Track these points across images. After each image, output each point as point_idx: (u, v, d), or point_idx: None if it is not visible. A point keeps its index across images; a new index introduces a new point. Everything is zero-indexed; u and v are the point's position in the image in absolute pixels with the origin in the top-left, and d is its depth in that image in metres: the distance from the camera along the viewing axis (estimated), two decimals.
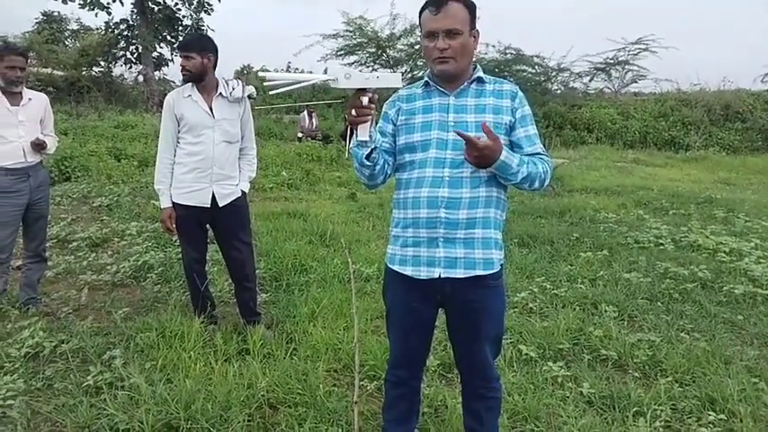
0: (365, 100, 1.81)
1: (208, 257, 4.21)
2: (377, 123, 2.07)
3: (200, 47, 3.32)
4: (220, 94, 3.35)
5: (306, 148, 10.92)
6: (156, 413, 2.56)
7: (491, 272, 2.01)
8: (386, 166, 2.06)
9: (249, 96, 3.47)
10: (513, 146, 2.04)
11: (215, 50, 3.34)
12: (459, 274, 1.98)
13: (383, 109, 2.12)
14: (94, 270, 4.68)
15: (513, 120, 2.02)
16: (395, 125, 2.09)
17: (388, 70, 1.94)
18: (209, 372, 2.98)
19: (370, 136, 1.89)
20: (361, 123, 1.86)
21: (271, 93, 1.89)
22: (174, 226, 3.39)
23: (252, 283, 3.59)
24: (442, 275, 1.99)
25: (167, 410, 2.58)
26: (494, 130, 1.84)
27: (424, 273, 2.01)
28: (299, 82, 1.90)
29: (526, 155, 2.00)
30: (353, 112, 1.83)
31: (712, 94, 19.42)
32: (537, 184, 1.98)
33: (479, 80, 2.04)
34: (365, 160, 1.96)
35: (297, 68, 22.91)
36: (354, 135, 1.92)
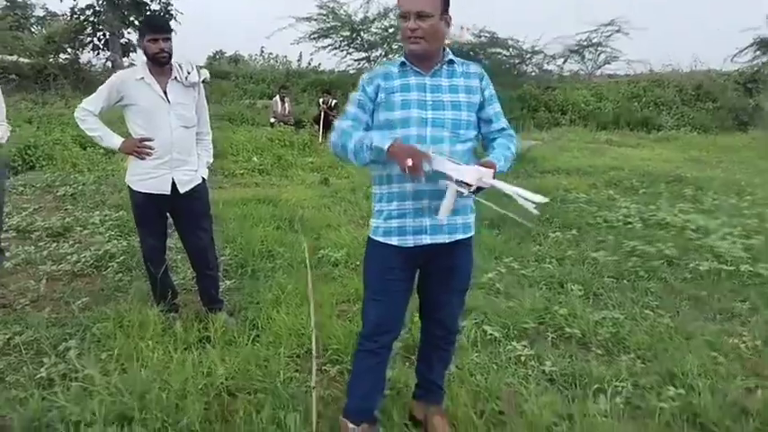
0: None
1: (171, 245, 4.14)
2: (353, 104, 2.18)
3: (170, 27, 3.28)
4: (175, 78, 3.25)
5: (278, 134, 10.77)
6: (109, 404, 2.50)
7: (469, 235, 2.26)
8: None
9: (204, 81, 3.39)
10: (484, 122, 2.27)
11: None
12: (444, 239, 2.19)
13: (361, 85, 2.19)
14: (55, 260, 4.56)
15: (483, 99, 2.24)
16: (373, 102, 2.16)
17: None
18: (167, 361, 2.91)
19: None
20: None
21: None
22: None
23: (213, 270, 3.52)
24: (429, 242, 2.17)
25: (121, 401, 2.52)
26: (466, 109, 2.16)
27: (410, 241, 2.18)
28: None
29: (497, 129, 2.27)
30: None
31: (684, 74, 19.62)
32: (511, 164, 2.24)
33: (450, 62, 2.20)
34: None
35: (270, 53, 22.65)
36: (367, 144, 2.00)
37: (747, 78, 18.54)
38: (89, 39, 19.39)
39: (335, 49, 19.38)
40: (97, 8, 18.76)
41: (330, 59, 19.23)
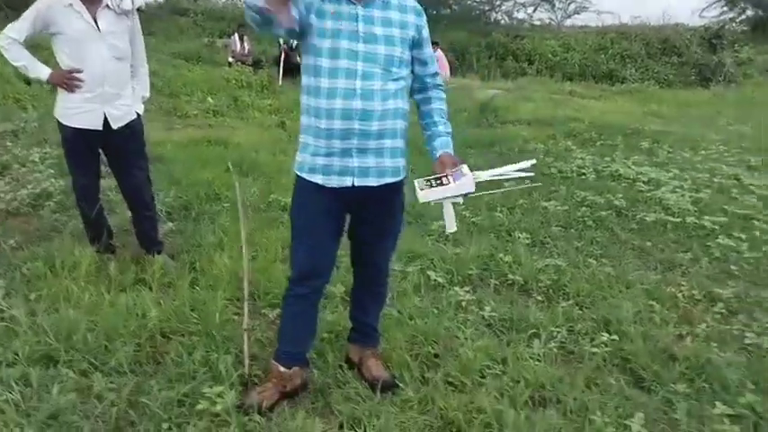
0: None
1: (112, 185, 3.97)
2: None
3: None
4: (106, 5, 3.02)
5: (235, 74, 10.40)
6: (33, 344, 2.42)
7: (398, 179, 2.17)
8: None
9: (138, 9, 3.17)
10: (419, 62, 2.17)
11: None
12: (372, 182, 2.10)
13: None
14: None
15: (418, 37, 2.12)
16: (305, 8, 1.96)
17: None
18: (98, 302, 2.82)
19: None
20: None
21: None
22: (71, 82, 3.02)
23: (151, 210, 3.39)
24: (356, 184, 2.08)
25: (46, 341, 2.44)
26: (399, 45, 2.04)
27: (334, 181, 2.08)
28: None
29: (431, 74, 2.21)
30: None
31: (651, 28, 19.58)
32: None
33: None
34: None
35: None
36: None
37: (713, 34, 18.63)
38: None
39: None
40: None
41: None
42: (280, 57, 11.61)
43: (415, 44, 2.12)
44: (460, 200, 2.06)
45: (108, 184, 3.96)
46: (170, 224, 3.99)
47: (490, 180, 2.07)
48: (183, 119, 7.97)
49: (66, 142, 3.17)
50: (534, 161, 2.21)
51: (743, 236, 4.28)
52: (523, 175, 2.09)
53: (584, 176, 5.84)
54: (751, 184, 5.78)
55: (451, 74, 13.66)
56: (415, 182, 2.08)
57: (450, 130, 2.23)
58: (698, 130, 9.14)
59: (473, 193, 2.04)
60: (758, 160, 7.06)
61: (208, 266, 3.33)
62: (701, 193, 5.34)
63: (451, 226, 2.11)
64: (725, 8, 24.23)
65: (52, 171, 4.92)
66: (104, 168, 3.45)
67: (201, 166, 5.29)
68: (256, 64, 11.83)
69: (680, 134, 8.64)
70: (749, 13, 24.07)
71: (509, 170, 2.09)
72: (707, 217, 4.63)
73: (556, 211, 4.68)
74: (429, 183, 2.05)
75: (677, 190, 5.43)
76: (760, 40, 19.56)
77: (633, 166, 6.21)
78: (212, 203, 4.45)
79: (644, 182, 5.69)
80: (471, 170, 2.07)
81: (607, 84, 15.82)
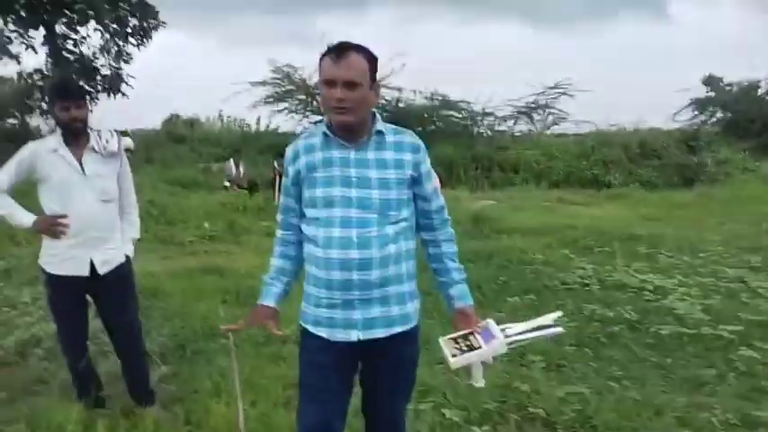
0: None
1: (98, 329, 3.79)
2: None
3: (84, 92, 3.09)
4: (92, 147, 3.00)
5: (231, 198, 10.55)
6: None
7: (410, 326, 2.01)
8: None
9: (127, 150, 3.17)
10: (421, 198, 2.05)
11: None
12: (378, 334, 1.95)
13: (285, 167, 2.03)
14: None
15: (418, 174, 2.01)
16: (296, 184, 2.00)
17: None
18: None
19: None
20: None
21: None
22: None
23: (140, 358, 3.19)
24: (361, 338, 1.94)
25: None
26: (396, 187, 1.93)
27: (340, 335, 1.95)
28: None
29: (435, 210, 2.08)
30: None
31: (628, 132, 20.33)
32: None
33: (379, 132, 1.97)
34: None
35: (229, 116, 22.55)
36: None
37: (689, 136, 19.35)
38: (37, 103, 18.95)
39: (292, 112, 19.52)
40: (45, 72, 18.42)
41: (288, 121, 19.27)
42: (274, 178, 11.83)
43: (415, 181, 2.01)
44: (491, 360, 1.99)
45: (99, 326, 3.77)
46: (164, 368, 3.75)
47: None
48: (180, 246, 7.89)
49: (51, 290, 3.04)
50: (560, 313, 2.17)
51: (765, 345, 4.11)
52: (553, 331, 2.04)
53: (588, 287, 5.72)
54: (759, 287, 5.67)
55: (441, 186, 13.92)
56: (443, 344, 2.01)
57: (464, 275, 2.13)
58: (692, 232, 9.16)
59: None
60: (759, 260, 7.00)
61: (204, 417, 3.08)
62: (711, 300, 5.22)
63: (480, 381, 2.01)
64: (695, 112, 25.53)
65: (43, 312, 4.73)
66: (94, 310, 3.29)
67: (197, 298, 5.12)
68: (252, 188, 12.03)
69: (675, 237, 8.64)
70: (719, 115, 25.34)
71: (537, 325, 2.05)
72: (722, 326, 4.48)
73: (566, 327, 4.50)
74: (459, 346, 1.98)
75: (686, 298, 5.31)
76: (732, 141, 20.38)
77: (636, 274, 6.12)
78: (208, 340, 4.23)
79: (650, 290, 5.57)
80: (498, 323, 2.04)
81: (593, 189, 16.10)
